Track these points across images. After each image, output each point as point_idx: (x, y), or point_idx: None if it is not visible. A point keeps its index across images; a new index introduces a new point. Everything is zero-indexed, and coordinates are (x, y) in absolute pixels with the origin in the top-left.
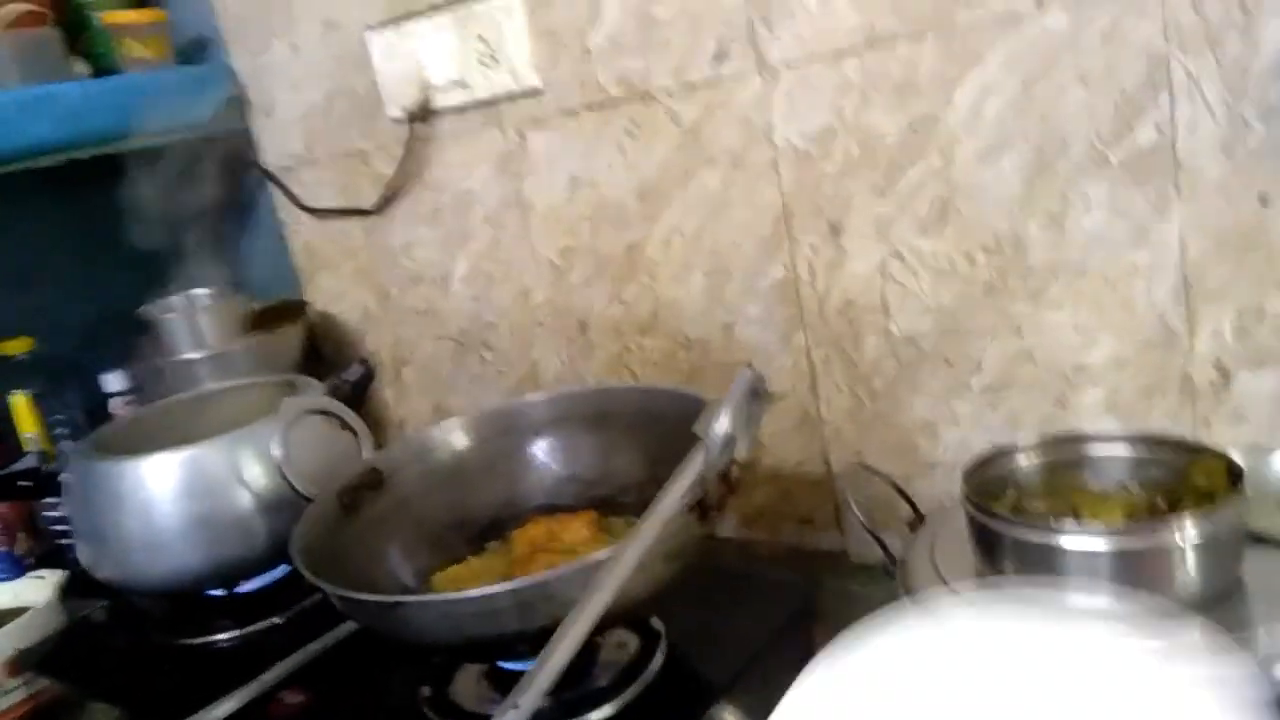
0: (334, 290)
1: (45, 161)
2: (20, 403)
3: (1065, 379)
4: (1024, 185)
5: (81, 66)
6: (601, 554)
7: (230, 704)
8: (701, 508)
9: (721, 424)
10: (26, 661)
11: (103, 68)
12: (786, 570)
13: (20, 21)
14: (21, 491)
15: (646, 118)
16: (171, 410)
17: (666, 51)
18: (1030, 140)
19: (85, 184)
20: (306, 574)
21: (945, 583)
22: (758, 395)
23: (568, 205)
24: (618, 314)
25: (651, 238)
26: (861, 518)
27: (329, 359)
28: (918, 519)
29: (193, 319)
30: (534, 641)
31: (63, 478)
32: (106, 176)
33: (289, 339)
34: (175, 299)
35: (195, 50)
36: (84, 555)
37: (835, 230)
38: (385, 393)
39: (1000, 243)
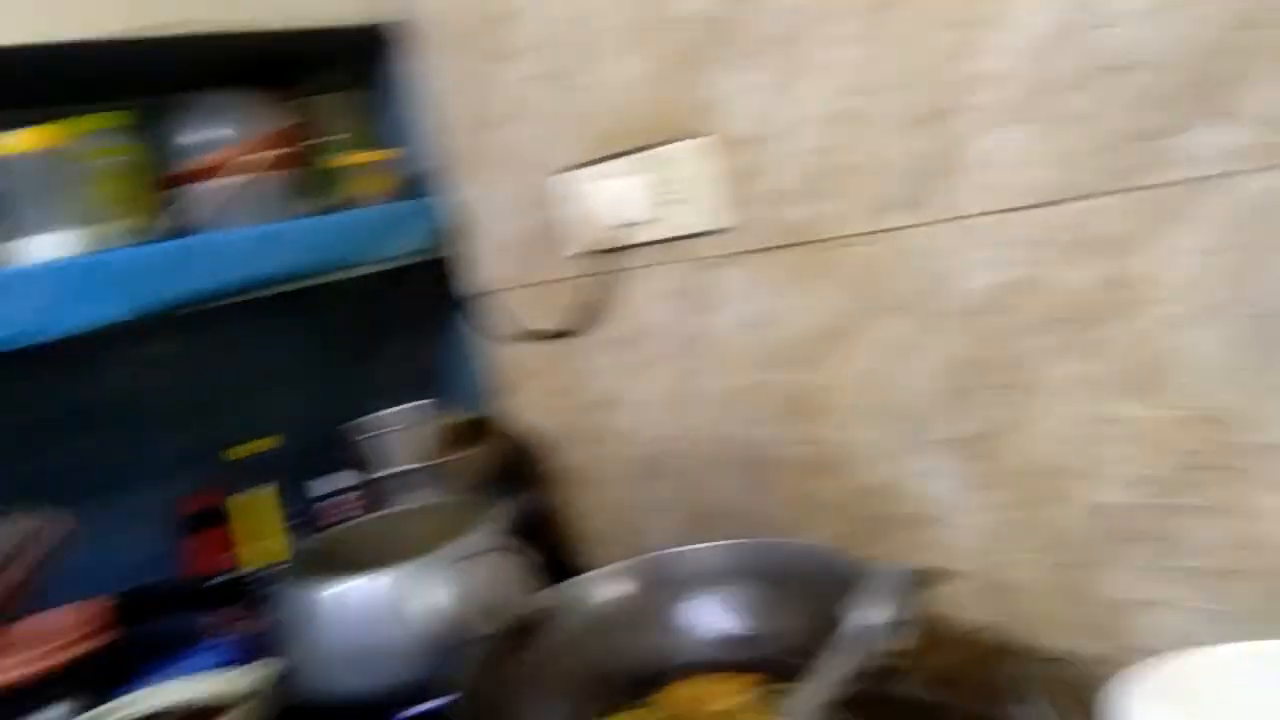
0: (531, 409)
1: (274, 290)
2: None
3: None
4: (1235, 352)
5: (314, 202)
6: None
7: None
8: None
9: (871, 620)
10: None
11: (332, 204)
12: None
13: (266, 165)
14: (231, 603)
15: (829, 261)
16: (364, 531)
17: (851, 197)
18: (1243, 304)
19: (319, 306)
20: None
21: None
22: (921, 583)
23: (746, 343)
24: (793, 454)
25: (830, 380)
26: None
27: (523, 474)
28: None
29: (395, 434)
30: None
31: (273, 594)
32: (335, 300)
33: (484, 456)
34: (383, 415)
35: (417, 185)
36: (285, 660)
37: (1027, 386)
38: (573, 514)
39: (1217, 414)
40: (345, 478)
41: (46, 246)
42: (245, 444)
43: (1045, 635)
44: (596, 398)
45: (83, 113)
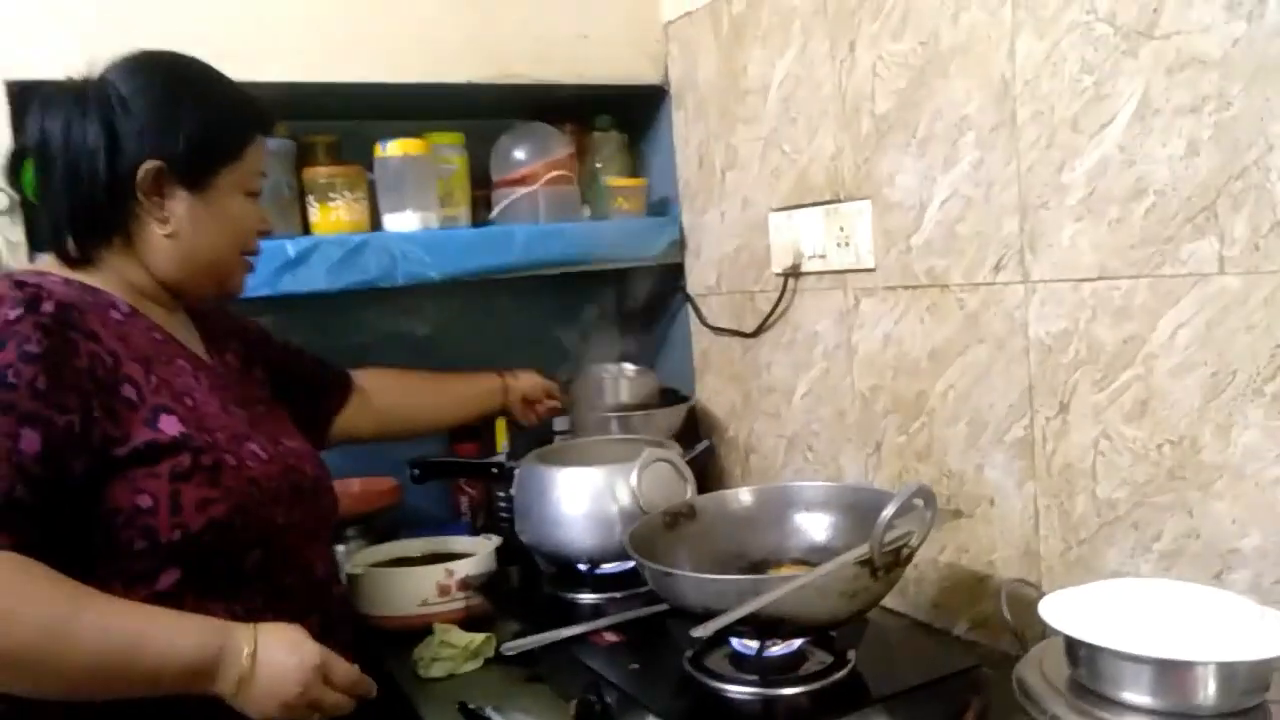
0: (714, 387)
1: (549, 270)
2: (500, 424)
3: (1222, 558)
4: (1203, 399)
5: (586, 211)
6: (797, 574)
7: (574, 630)
8: (870, 566)
9: (886, 512)
10: (472, 583)
11: (599, 213)
12: (976, 655)
13: (554, 180)
14: (490, 475)
15: (942, 301)
16: (586, 445)
17: (963, 257)
18: (1209, 366)
19: (575, 287)
20: (631, 552)
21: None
22: (930, 503)
23: (880, 355)
24: (903, 441)
25: (934, 390)
26: (1008, 617)
27: (701, 434)
28: None
29: (618, 384)
30: (749, 624)
31: (517, 473)
32: (589, 283)
33: (675, 416)
34: (612, 367)
35: (660, 205)
36: (518, 524)
37: (1064, 408)
38: (735, 469)
39: (1183, 440)
40: (570, 417)
41: (406, 221)
42: None
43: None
44: (765, 385)
45: (431, 130)
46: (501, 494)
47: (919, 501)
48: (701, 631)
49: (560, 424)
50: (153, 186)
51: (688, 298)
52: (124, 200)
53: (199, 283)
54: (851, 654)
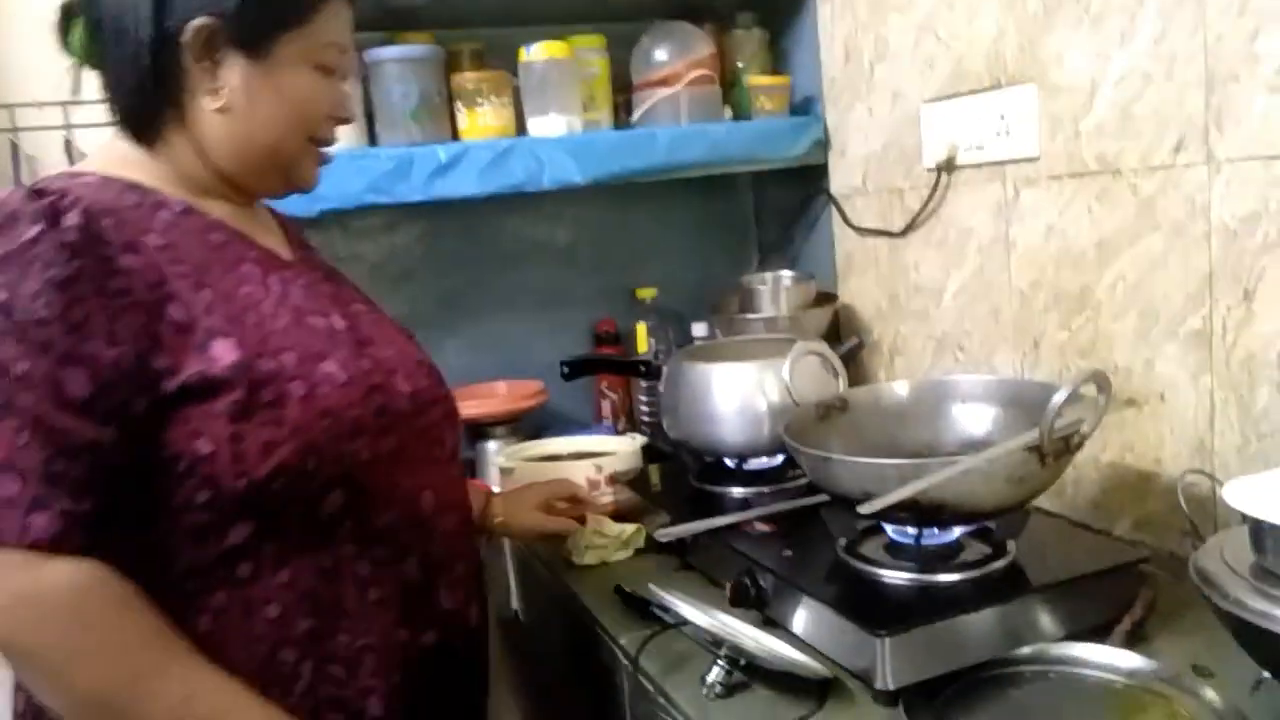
0: (858, 290)
1: (691, 173)
2: (641, 329)
3: None
4: None
5: (728, 112)
6: (962, 458)
7: (727, 519)
8: (1040, 452)
9: (1058, 398)
10: (619, 479)
11: (741, 114)
12: (1133, 548)
13: (696, 81)
14: (638, 373)
15: (1113, 188)
16: (733, 344)
17: (1139, 139)
18: None
19: (712, 192)
20: (787, 440)
21: (1225, 560)
22: (1103, 389)
23: (1041, 249)
24: (1064, 338)
25: (1101, 282)
26: (1184, 507)
27: (844, 338)
28: None
29: (775, 291)
30: (909, 510)
31: (665, 370)
32: (726, 188)
33: (822, 318)
34: (768, 275)
35: (803, 104)
36: (666, 421)
37: (1249, 296)
38: (880, 373)
39: None
40: (718, 322)
41: (551, 125)
42: (645, 288)
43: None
44: (913, 285)
45: (572, 34)
46: (645, 396)
47: (1091, 389)
48: (868, 508)
49: (699, 330)
50: (204, 49)
51: (831, 199)
52: (173, 65)
53: (259, 171)
54: (1011, 545)
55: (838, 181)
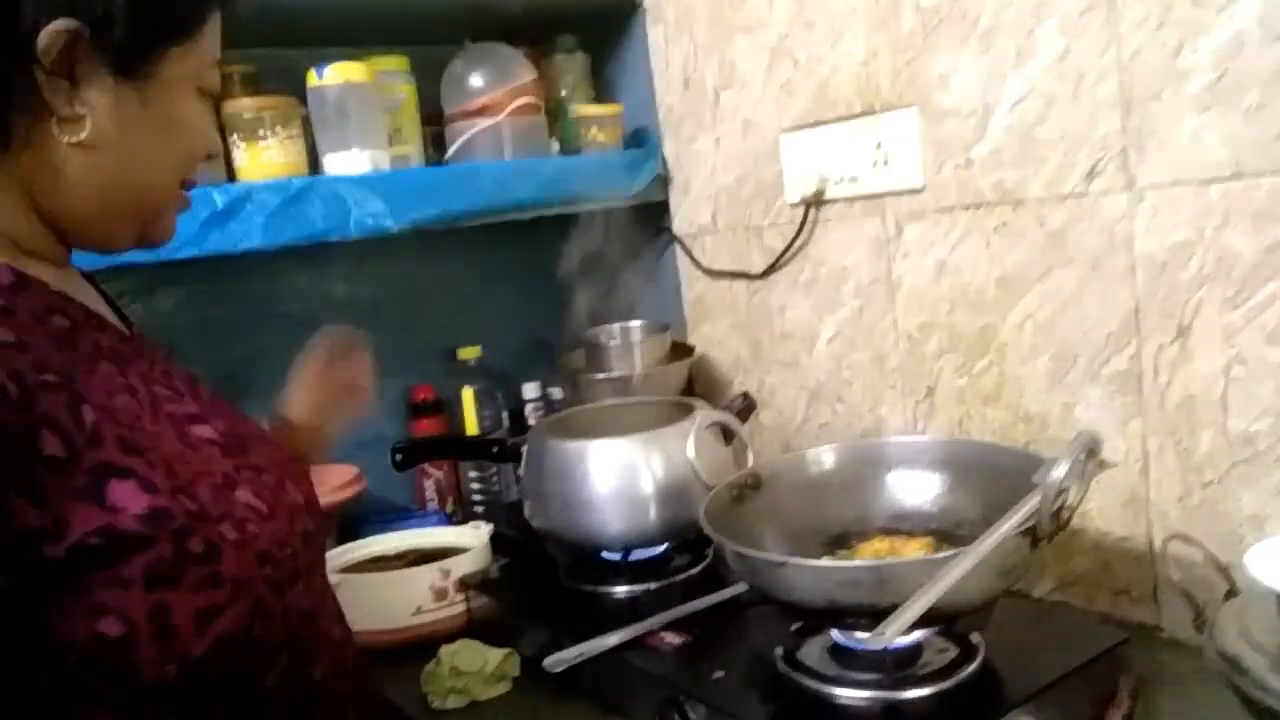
0: (713, 338)
1: (521, 215)
2: (468, 394)
3: None
4: None
5: (555, 145)
6: (950, 552)
7: (619, 636)
8: (1033, 536)
9: (1059, 471)
10: (468, 583)
11: (569, 147)
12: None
13: (520, 110)
14: (490, 455)
15: (1015, 220)
16: (598, 412)
17: (1043, 166)
18: None
19: (538, 235)
20: (713, 534)
21: (1250, 640)
22: (1093, 455)
23: (931, 288)
24: (963, 384)
25: (1006, 322)
26: (1176, 577)
27: (702, 394)
28: (1232, 593)
29: (626, 345)
30: (876, 615)
31: (524, 448)
32: (554, 231)
33: (680, 373)
34: (612, 327)
35: (635, 136)
36: (529, 508)
37: (1183, 332)
38: (744, 429)
39: None
40: (552, 382)
41: (352, 161)
42: (467, 348)
43: (1176, 546)
44: (779, 331)
45: (367, 56)
46: (475, 473)
47: (1080, 455)
48: (886, 635)
49: (530, 391)
50: (60, 62)
51: (676, 238)
52: (13, 80)
53: (119, 219)
54: (978, 640)
55: (682, 220)
